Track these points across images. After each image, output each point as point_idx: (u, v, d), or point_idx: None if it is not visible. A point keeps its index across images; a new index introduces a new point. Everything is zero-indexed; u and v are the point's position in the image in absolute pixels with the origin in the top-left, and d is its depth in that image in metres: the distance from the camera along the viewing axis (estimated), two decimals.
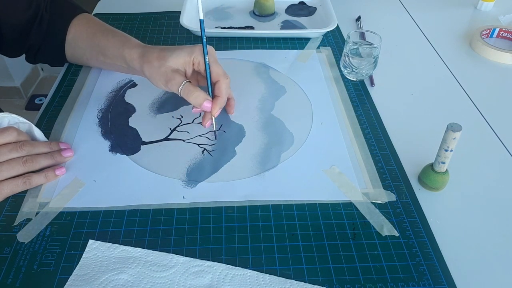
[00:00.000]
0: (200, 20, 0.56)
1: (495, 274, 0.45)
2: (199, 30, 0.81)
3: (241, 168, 0.56)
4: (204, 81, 0.59)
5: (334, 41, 0.82)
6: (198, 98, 0.56)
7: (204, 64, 0.58)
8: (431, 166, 0.53)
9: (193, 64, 0.58)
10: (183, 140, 0.60)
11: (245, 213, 0.50)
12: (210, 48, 0.58)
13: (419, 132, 0.62)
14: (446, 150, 0.50)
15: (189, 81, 0.57)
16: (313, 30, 0.83)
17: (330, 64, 0.76)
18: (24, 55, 0.71)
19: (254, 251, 0.46)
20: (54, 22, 0.67)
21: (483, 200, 0.53)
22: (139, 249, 0.46)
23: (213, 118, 0.59)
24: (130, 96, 0.68)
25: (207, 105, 0.56)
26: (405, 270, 0.45)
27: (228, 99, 0.64)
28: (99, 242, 0.47)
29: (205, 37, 0.57)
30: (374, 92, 0.70)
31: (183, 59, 0.58)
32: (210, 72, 0.58)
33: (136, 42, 0.63)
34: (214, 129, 0.61)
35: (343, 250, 0.47)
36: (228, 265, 0.45)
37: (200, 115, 0.64)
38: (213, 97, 0.58)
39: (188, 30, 0.81)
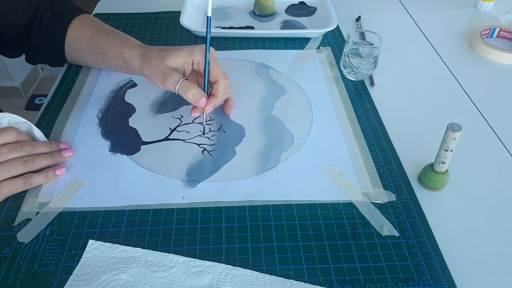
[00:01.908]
0: (207, 17, 0.56)
1: (495, 274, 0.45)
2: (199, 30, 0.81)
3: (241, 168, 0.56)
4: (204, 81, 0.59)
5: (334, 41, 0.82)
6: (196, 96, 0.56)
7: (204, 64, 0.58)
8: (431, 166, 0.53)
9: (192, 64, 0.58)
10: (183, 140, 0.60)
11: (245, 213, 0.50)
12: (211, 49, 0.58)
13: (419, 132, 0.62)
14: (446, 150, 0.50)
15: (187, 79, 0.57)
16: (313, 30, 0.83)
17: (330, 64, 0.76)
18: (24, 56, 0.71)
19: (254, 251, 0.46)
20: (54, 23, 0.67)
21: (483, 200, 0.53)
22: (139, 249, 0.46)
23: (204, 114, 0.59)
24: (130, 96, 0.68)
25: (203, 103, 0.57)
26: (405, 270, 0.45)
27: (227, 100, 0.64)
28: (99, 242, 0.47)
29: (209, 35, 0.57)
30: (374, 92, 0.70)
31: (183, 58, 0.58)
32: (209, 71, 0.58)
33: (136, 42, 0.63)
34: (204, 124, 0.61)
35: (343, 250, 0.47)
36: (228, 265, 0.45)
37: (200, 117, 0.64)
38: (209, 96, 0.58)
39: (188, 30, 0.81)
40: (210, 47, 0.58)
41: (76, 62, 0.72)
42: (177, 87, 0.56)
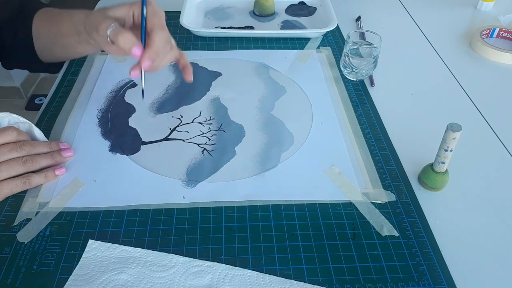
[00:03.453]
0: None
1: (495, 274, 0.45)
2: (199, 30, 0.81)
3: (241, 168, 0.56)
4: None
5: (334, 41, 0.82)
6: (126, 40, 0.51)
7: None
8: (431, 166, 0.53)
9: (133, 17, 0.56)
10: (183, 140, 0.60)
11: (245, 213, 0.50)
12: (159, 9, 0.56)
13: (419, 132, 0.62)
14: (446, 150, 0.50)
15: (121, 26, 0.53)
16: (313, 30, 0.83)
17: (330, 64, 0.76)
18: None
19: (254, 251, 0.46)
20: (21, 20, 0.66)
21: (483, 200, 0.53)
22: (139, 249, 0.46)
23: (142, 71, 0.55)
24: (130, 96, 0.68)
25: (136, 51, 0.52)
26: (405, 270, 0.45)
27: (184, 66, 0.62)
28: (99, 242, 0.47)
29: None
30: (374, 92, 0.70)
31: (122, 10, 0.55)
32: (146, 22, 0.54)
33: (86, 10, 0.61)
34: (142, 87, 0.57)
35: (343, 250, 0.47)
36: (228, 265, 0.45)
37: (200, 115, 0.64)
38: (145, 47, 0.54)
39: (188, 30, 0.81)
40: (160, 9, 0.56)
41: (45, 56, 0.69)
42: (108, 33, 0.52)
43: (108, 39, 0.53)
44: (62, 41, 0.64)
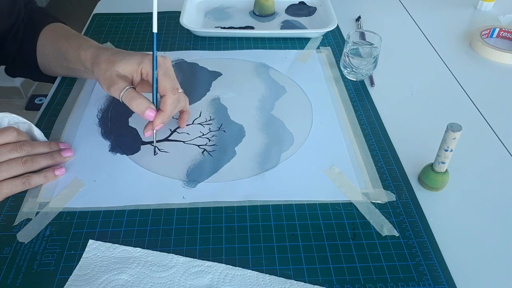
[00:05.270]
0: (153, 33, 0.54)
1: (495, 274, 0.45)
2: (199, 30, 0.81)
3: (241, 168, 0.56)
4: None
5: (334, 41, 0.82)
6: (140, 105, 0.53)
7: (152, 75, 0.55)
8: (431, 166, 0.53)
9: (141, 74, 0.56)
10: (183, 142, 0.60)
11: (245, 213, 0.50)
12: (164, 59, 0.56)
13: (419, 132, 0.62)
14: (446, 150, 0.50)
15: (133, 88, 0.54)
16: (313, 30, 0.83)
17: (330, 64, 0.76)
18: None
19: (254, 251, 0.46)
20: (27, 31, 0.67)
21: (482, 200, 0.53)
22: (139, 249, 0.46)
23: (154, 131, 0.56)
24: None
25: (149, 113, 0.54)
26: (405, 270, 0.45)
27: (182, 112, 0.62)
28: (99, 242, 0.47)
29: (156, 51, 0.54)
30: (374, 92, 0.70)
31: (131, 67, 0.55)
32: (157, 85, 0.55)
33: (93, 43, 0.62)
34: (154, 144, 0.58)
35: (343, 250, 0.47)
36: (228, 265, 0.45)
37: (200, 115, 0.64)
38: (158, 110, 0.56)
39: (188, 30, 0.81)
40: (165, 57, 0.57)
41: (48, 71, 0.70)
42: (121, 95, 0.54)
43: (120, 100, 0.54)
44: (67, 64, 0.65)
